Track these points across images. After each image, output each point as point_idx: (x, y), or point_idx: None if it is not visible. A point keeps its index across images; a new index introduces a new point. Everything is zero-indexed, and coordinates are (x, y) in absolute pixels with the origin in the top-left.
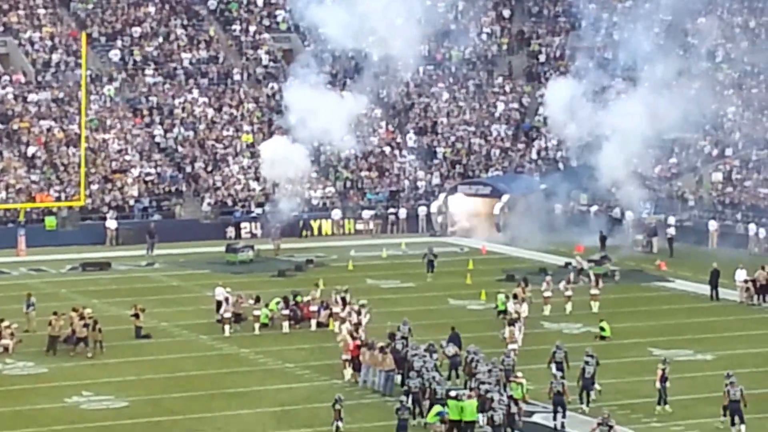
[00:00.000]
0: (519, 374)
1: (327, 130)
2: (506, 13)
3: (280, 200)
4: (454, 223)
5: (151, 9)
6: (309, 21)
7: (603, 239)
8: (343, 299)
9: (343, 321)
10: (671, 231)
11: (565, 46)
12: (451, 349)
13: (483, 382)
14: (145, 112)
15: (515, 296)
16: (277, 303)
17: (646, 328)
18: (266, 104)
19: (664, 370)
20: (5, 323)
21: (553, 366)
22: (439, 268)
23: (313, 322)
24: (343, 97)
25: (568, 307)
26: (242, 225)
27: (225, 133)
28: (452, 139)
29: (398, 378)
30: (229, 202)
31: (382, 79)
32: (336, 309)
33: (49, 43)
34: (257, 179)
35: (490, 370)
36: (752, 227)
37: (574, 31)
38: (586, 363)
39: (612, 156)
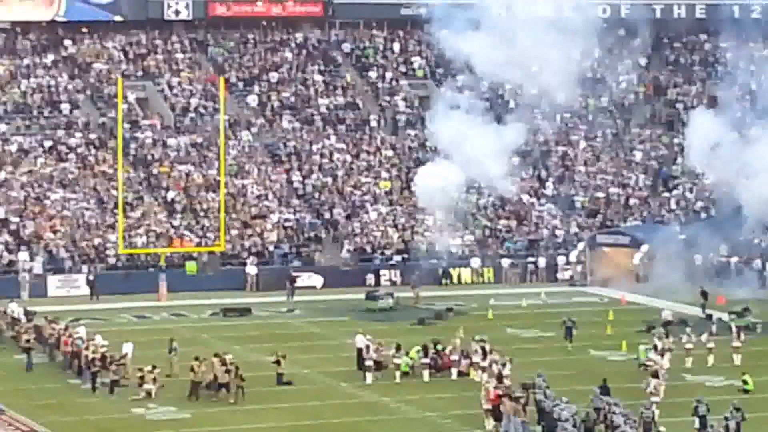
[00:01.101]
0: (662, 429)
1: (478, 162)
2: (643, 61)
3: (421, 247)
4: (594, 273)
5: (289, 55)
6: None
7: (704, 294)
8: (483, 348)
9: (483, 370)
10: None
11: (703, 95)
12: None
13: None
14: (284, 158)
15: (656, 347)
16: (418, 351)
17: None
18: (402, 151)
19: None
20: (148, 368)
21: (696, 420)
22: (579, 317)
23: (454, 371)
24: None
25: (710, 359)
26: (382, 272)
27: (363, 179)
28: (590, 187)
29: (538, 429)
30: (368, 248)
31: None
32: (476, 358)
33: (187, 87)
34: (395, 226)
35: (625, 421)
36: None
37: (711, 80)
38: (728, 418)
39: (753, 206)
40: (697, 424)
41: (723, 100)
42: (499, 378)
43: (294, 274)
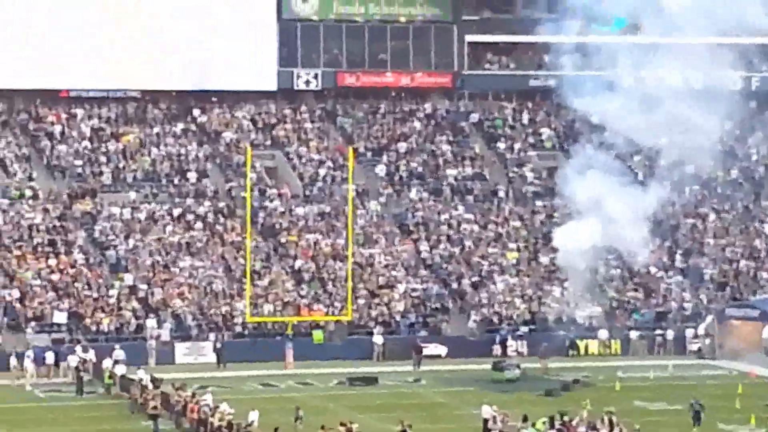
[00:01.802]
0: None
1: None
2: None
3: (548, 318)
4: (723, 346)
5: (417, 125)
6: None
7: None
8: (610, 420)
9: None
10: None
11: None
12: None
13: None
14: (411, 228)
15: None
16: (544, 422)
17: None
18: (530, 221)
19: None
20: None
21: None
22: (707, 391)
23: None
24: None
25: None
26: (508, 343)
27: (490, 250)
28: (720, 260)
29: None
30: (495, 319)
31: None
32: (603, 430)
33: (316, 157)
34: (522, 297)
35: None
36: None
37: None
38: None
39: None
40: None
41: None
42: None
43: (421, 344)
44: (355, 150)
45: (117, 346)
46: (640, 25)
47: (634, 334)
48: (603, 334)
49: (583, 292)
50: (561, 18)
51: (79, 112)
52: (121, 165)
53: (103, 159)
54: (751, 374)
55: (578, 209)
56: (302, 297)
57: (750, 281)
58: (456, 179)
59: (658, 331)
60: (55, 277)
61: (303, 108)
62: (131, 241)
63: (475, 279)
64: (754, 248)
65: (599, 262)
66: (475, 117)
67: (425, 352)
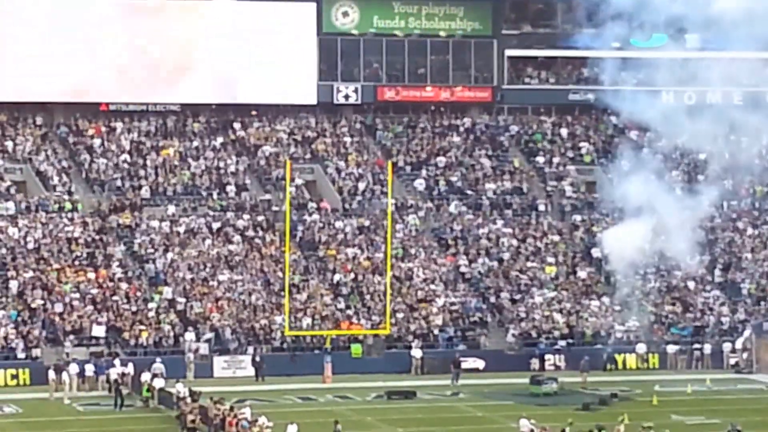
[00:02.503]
0: None
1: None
2: None
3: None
4: (760, 360)
5: (457, 139)
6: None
7: None
8: None
9: None
10: None
11: None
12: None
13: None
14: (450, 242)
15: None
16: None
17: None
18: (568, 236)
19: None
20: None
21: None
22: (744, 405)
23: None
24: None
25: None
26: (546, 357)
27: (529, 264)
28: (757, 274)
29: None
30: (533, 333)
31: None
32: None
33: (355, 171)
34: (560, 311)
35: None
36: None
37: None
38: None
39: None
40: None
41: None
42: None
43: (459, 357)
44: (395, 164)
45: (158, 359)
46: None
47: (671, 348)
48: (641, 348)
49: (622, 305)
50: (601, 32)
51: (119, 125)
52: (160, 178)
53: (142, 172)
54: None
55: (622, 215)
56: (341, 311)
57: None
58: (495, 193)
59: (696, 345)
60: (94, 290)
61: (342, 122)
62: (170, 255)
63: (513, 293)
64: None
65: (645, 268)
66: (514, 131)
67: (463, 365)
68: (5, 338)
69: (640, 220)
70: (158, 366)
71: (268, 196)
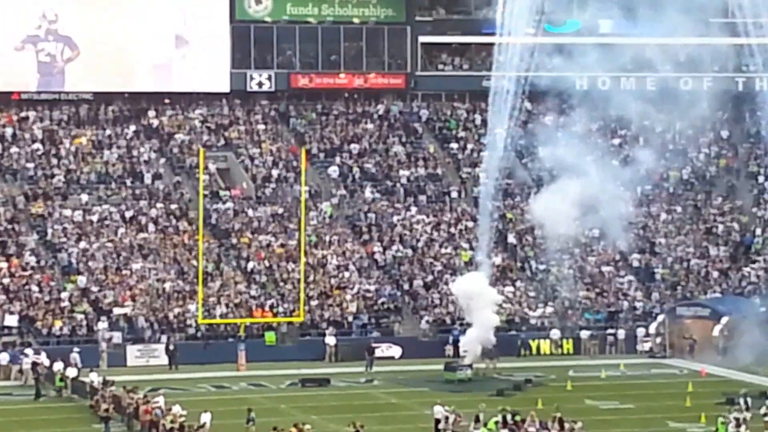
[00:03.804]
0: None
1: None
2: (725, 134)
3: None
4: (673, 345)
5: (370, 126)
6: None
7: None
8: (560, 420)
9: None
10: None
11: None
12: None
13: None
14: (364, 229)
15: (737, 420)
16: (496, 422)
17: None
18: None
19: None
20: None
21: None
22: (658, 389)
23: None
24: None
25: None
26: (461, 343)
27: (443, 250)
28: (670, 259)
29: None
30: (448, 320)
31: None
32: (554, 430)
33: (268, 158)
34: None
35: None
36: None
37: None
38: None
39: None
40: None
41: None
42: None
43: (373, 344)
44: (308, 151)
45: (75, 349)
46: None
47: (585, 334)
48: (555, 333)
49: (536, 291)
50: (514, 19)
51: (31, 114)
52: (73, 167)
53: (55, 161)
54: (702, 373)
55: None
56: (254, 298)
57: (701, 280)
58: (409, 180)
59: (610, 331)
60: (6, 279)
61: (256, 109)
62: (83, 244)
63: (427, 279)
64: (704, 247)
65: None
66: (428, 118)
67: (378, 353)
68: None
69: (566, 186)
70: (72, 356)
71: (181, 185)
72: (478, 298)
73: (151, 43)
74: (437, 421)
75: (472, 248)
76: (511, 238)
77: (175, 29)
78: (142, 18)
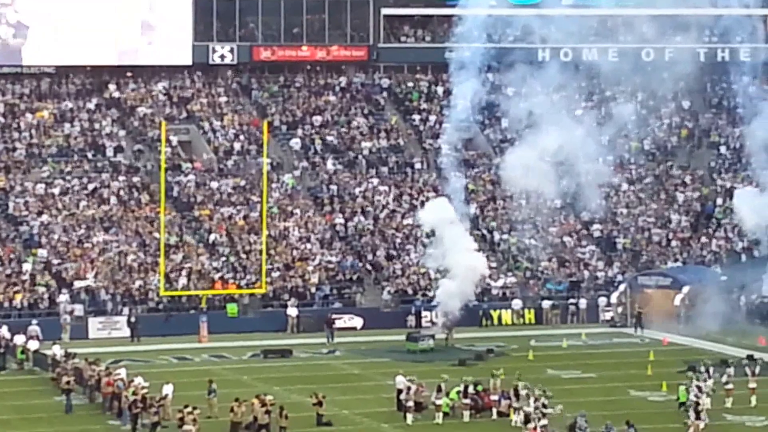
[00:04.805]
0: None
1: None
2: (686, 104)
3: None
4: (634, 314)
5: (332, 98)
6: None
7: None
8: (515, 388)
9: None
10: None
11: (745, 138)
12: None
13: None
14: (326, 201)
15: (697, 388)
16: (458, 392)
17: None
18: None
19: None
20: (188, 409)
21: None
22: (619, 358)
23: (494, 411)
24: None
25: (753, 399)
26: (423, 314)
27: (405, 221)
28: (632, 229)
29: None
30: (410, 290)
31: (561, 169)
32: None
33: (231, 131)
34: (437, 268)
35: None
36: None
37: (755, 122)
38: None
39: None
40: None
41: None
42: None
43: (333, 315)
44: (270, 124)
45: (34, 321)
46: None
47: (547, 304)
48: (517, 304)
49: (498, 261)
50: None
51: None
52: (34, 141)
53: (16, 135)
54: (664, 341)
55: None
56: (216, 270)
57: (662, 250)
58: (371, 151)
59: (572, 301)
60: None
61: (218, 82)
62: (45, 217)
63: (389, 250)
64: (666, 217)
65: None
66: (390, 90)
67: (340, 324)
68: None
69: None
70: (34, 328)
71: (143, 158)
72: (452, 235)
73: (114, 16)
74: (399, 392)
75: None
76: (473, 209)
77: (139, 2)
78: None
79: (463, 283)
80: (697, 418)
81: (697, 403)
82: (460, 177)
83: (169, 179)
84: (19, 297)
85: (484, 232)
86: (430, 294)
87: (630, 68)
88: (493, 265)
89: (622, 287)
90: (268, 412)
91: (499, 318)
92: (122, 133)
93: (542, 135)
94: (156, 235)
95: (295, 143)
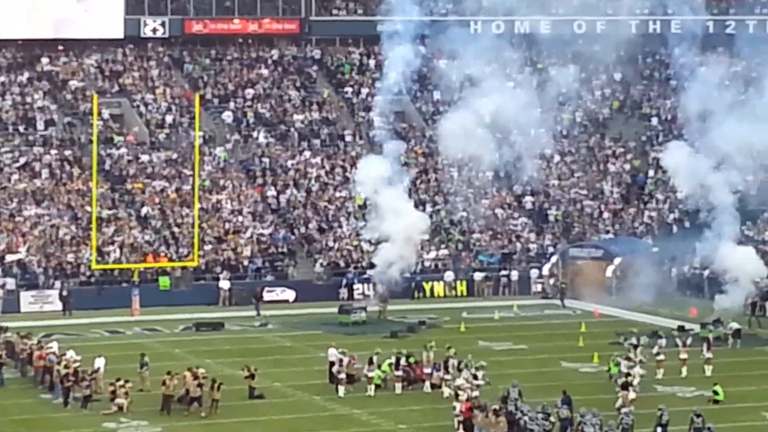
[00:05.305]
0: None
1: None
2: (617, 76)
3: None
4: (566, 286)
5: (264, 71)
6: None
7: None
8: (447, 361)
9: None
10: None
11: (678, 109)
12: (564, 412)
13: None
14: (258, 173)
15: (628, 359)
16: (390, 364)
17: (760, 392)
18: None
19: None
20: (120, 382)
21: (659, 429)
22: (551, 330)
23: (427, 383)
24: None
25: (684, 370)
26: (355, 286)
27: (337, 194)
28: (564, 201)
29: None
30: (342, 263)
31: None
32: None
33: (163, 104)
34: (369, 241)
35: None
36: None
37: (685, 94)
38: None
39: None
40: None
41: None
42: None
43: (262, 289)
44: (202, 97)
45: None
46: None
47: (479, 276)
48: (449, 276)
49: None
50: None
51: None
52: None
53: None
54: (595, 313)
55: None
56: (149, 244)
57: (594, 221)
58: (303, 124)
59: (503, 272)
60: None
61: (150, 55)
62: None
63: (322, 223)
64: (597, 189)
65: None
66: (322, 63)
67: (272, 297)
68: None
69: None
70: None
71: (75, 131)
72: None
73: None
74: (331, 364)
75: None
76: (406, 181)
77: None
78: None
79: (404, 247)
80: (625, 388)
81: (628, 374)
82: (393, 149)
83: (101, 153)
84: None
85: (417, 204)
86: (366, 262)
87: (562, 40)
88: (425, 237)
89: (553, 259)
90: (200, 385)
91: (431, 290)
92: (54, 106)
93: (477, 101)
94: (88, 208)
95: (227, 116)
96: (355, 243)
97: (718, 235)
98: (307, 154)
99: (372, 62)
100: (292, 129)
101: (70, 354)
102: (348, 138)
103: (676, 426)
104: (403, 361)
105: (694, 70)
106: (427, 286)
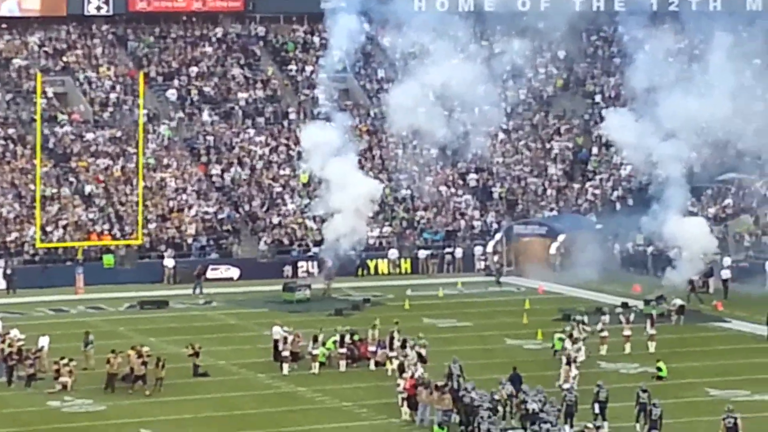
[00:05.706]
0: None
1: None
2: (561, 54)
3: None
4: (510, 263)
5: (208, 49)
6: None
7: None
8: (391, 338)
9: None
10: (726, 272)
11: (621, 87)
12: (509, 388)
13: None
14: (202, 151)
15: (571, 336)
16: (334, 342)
17: (703, 368)
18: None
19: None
20: (64, 361)
21: (596, 406)
22: (495, 307)
23: (371, 361)
24: None
25: (627, 347)
26: (299, 264)
27: (282, 172)
28: (508, 178)
29: (455, 417)
30: (286, 241)
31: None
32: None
33: (107, 82)
34: (314, 218)
35: (543, 407)
36: None
37: (628, 72)
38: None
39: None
40: (596, 410)
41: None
42: (421, 359)
43: (204, 267)
44: (147, 75)
45: None
46: None
47: (423, 253)
48: (393, 253)
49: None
50: None
51: None
52: None
53: None
54: (539, 290)
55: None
56: (93, 222)
57: (538, 198)
58: (247, 102)
59: (448, 250)
60: None
61: (94, 33)
62: None
63: (266, 201)
64: (542, 166)
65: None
66: (267, 41)
67: (216, 275)
68: None
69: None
70: None
71: (19, 110)
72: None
73: None
74: (276, 342)
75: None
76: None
77: None
78: None
79: (354, 219)
80: (568, 363)
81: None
82: (340, 120)
83: (45, 131)
84: None
85: None
86: (311, 239)
87: (505, 18)
88: (369, 214)
89: (498, 236)
90: (144, 363)
91: (376, 268)
92: None
93: (424, 74)
94: (32, 186)
95: (172, 94)
96: (300, 221)
97: (667, 208)
98: (252, 132)
99: (316, 40)
100: (236, 107)
101: (14, 333)
102: (292, 116)
103: (620, 402)
104: (347, 339)
105: (638, 47)
106: (371, 264)
